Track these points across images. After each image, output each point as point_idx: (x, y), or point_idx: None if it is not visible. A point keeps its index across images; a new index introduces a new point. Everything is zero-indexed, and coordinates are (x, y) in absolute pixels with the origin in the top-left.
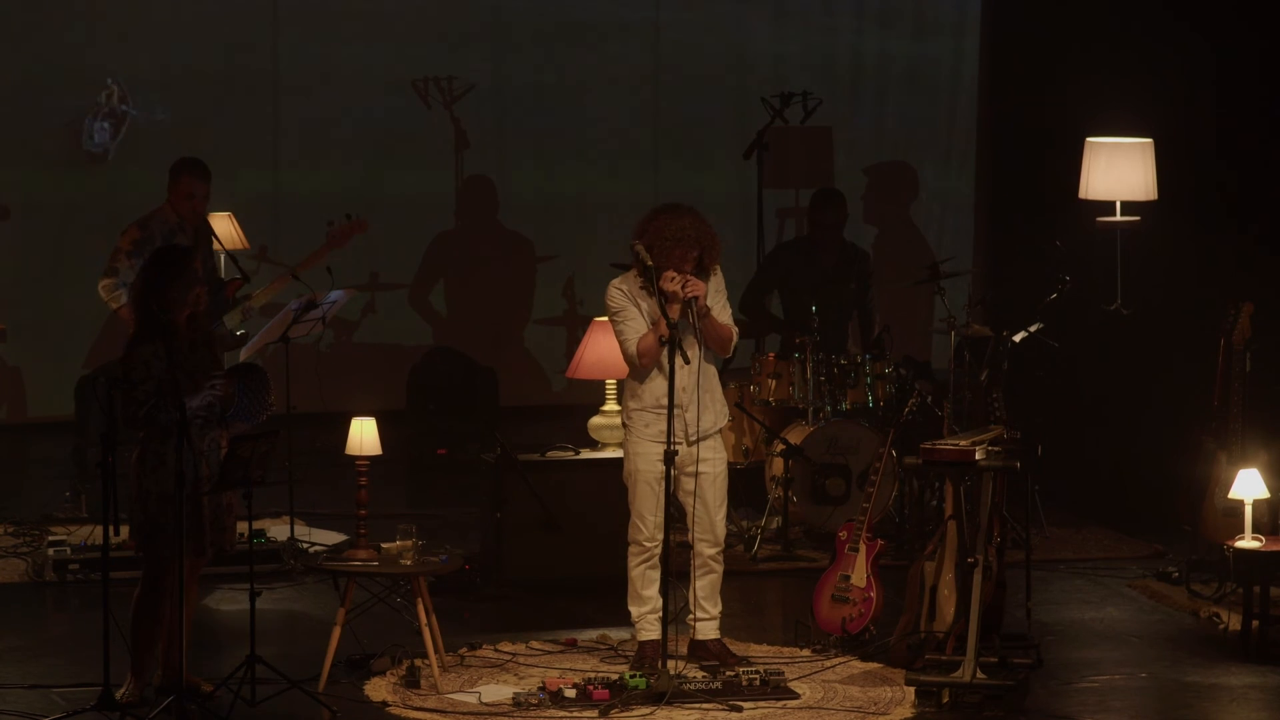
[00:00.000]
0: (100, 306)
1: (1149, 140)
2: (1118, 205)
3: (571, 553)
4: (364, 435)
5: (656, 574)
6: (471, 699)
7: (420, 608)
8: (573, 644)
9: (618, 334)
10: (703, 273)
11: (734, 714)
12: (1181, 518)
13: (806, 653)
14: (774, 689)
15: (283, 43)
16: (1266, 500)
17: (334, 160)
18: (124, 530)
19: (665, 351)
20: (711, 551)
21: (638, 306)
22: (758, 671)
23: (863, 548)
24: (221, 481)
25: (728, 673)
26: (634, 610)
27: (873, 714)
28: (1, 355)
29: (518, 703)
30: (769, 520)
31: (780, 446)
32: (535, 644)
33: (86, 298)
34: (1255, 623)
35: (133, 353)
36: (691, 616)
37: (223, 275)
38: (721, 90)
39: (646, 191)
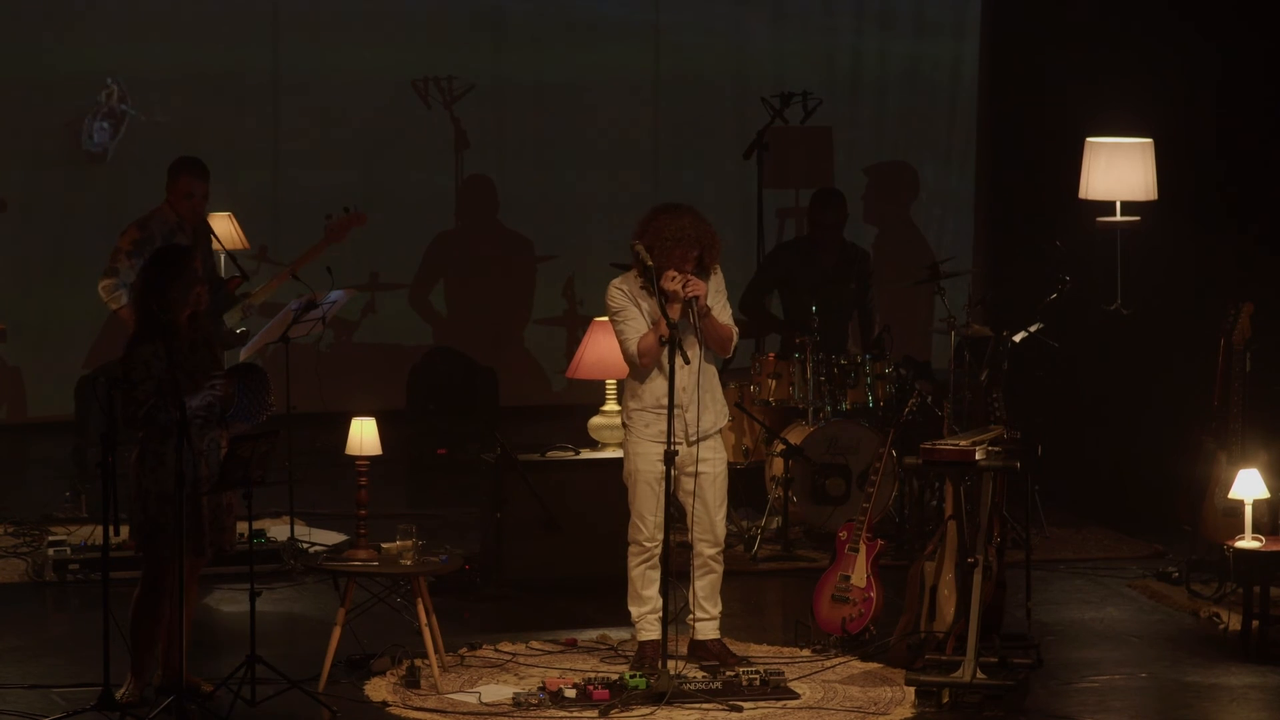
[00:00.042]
0: (100, 306)
1: (1149, 140)
2: (1118, 205)
3: (571, 553)
4: (364, 435)
5: (656, 574)
6: (471, 699)
7: (420, 608)
8: (573, 644)
9: (618, 334)
10: (703, 272)
11: (734, 714)
12: (1181, 518)
13: (806, 653)
14: (774, 689)
15: (283, 43)
16: (1266, 500)
17: (334, 160)
18: (124, 530)
19: (665, 351)
20: (711, 551)
21: (638, 306)
22: (758, 671)
23: (863, 548)
24: (221, 481)
25: (728, 673)
26: (634, 610)
27: (873, 714)
28: (1, 355)
29: (518, 703)
30: (769, 520)
31: (780, 446)
32: (535, 644)
33: (86, 298)
34: (1255, 623)
35: (133, 352)
36: (691, 616)
37: (222, 275)
38: (721, 90)
39: (646, 191)
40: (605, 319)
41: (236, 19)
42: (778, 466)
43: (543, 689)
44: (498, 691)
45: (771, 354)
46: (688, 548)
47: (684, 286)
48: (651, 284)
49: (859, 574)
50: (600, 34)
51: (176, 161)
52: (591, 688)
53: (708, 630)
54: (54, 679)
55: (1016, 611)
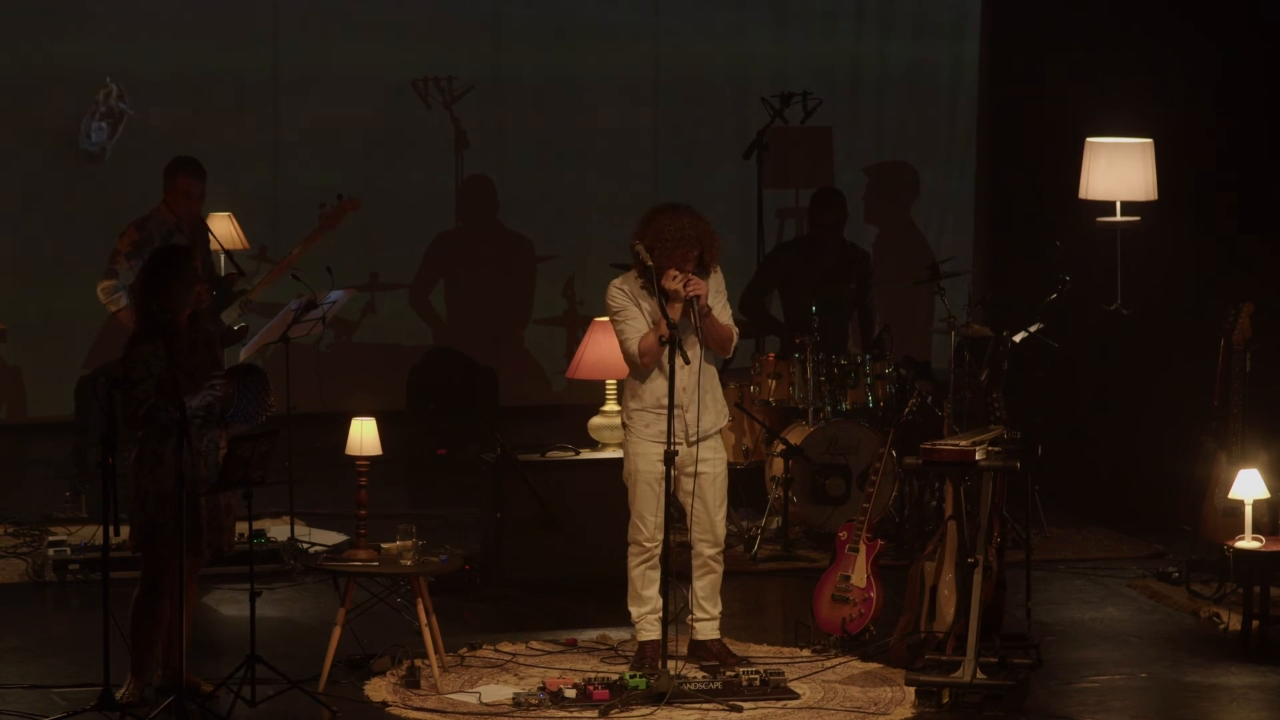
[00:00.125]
0: (100, 306)
1: (1149, 140)
2: (1118, 205)
3: (571, 553)
4: (364, 435)
5: (656, 574)
6: (471, 699)
7: (420, 608)
8: (573, 644)
9: (618, 334)
10: (703, 271)
11: (734, 714)
12: (1181, 518)
13: (806, 653)
14: (774, 689)
15: (283, 43)
16: (1266, 500)
17: (334, 160)
18: (124, 530)
19: (666, 352)
20: (711, 552)
21: (639, 306)
22: (758, 672)
23: (863, 548)
24: (221, 482)
25: (728, 673)
26: (634, 610)
27: (873, 714)
28: (1, 355)
29: (518, 703)
30: (769, 520)
31: (780, 446)
32: (535, 644)
33: (86, 298)
34: (1255, 623)
35: (133, 352)
36: (691, 617)
37: (220, 273)
38: (721, 90)
39: (646, 191)
40: (605, 319)
41: (236, 19)
42: (778, 466)
43: (543, 689)
44: (498, 691)
45: (771, 354)
46: (688, 548)
47: (685, 286)
48: (652, 284)
49: (859, 574)
50: (600, 34)
51: (173, 161)
52: (591, 688)
53: (708, 630)
54: (54, 679)
55: (1016, 611)
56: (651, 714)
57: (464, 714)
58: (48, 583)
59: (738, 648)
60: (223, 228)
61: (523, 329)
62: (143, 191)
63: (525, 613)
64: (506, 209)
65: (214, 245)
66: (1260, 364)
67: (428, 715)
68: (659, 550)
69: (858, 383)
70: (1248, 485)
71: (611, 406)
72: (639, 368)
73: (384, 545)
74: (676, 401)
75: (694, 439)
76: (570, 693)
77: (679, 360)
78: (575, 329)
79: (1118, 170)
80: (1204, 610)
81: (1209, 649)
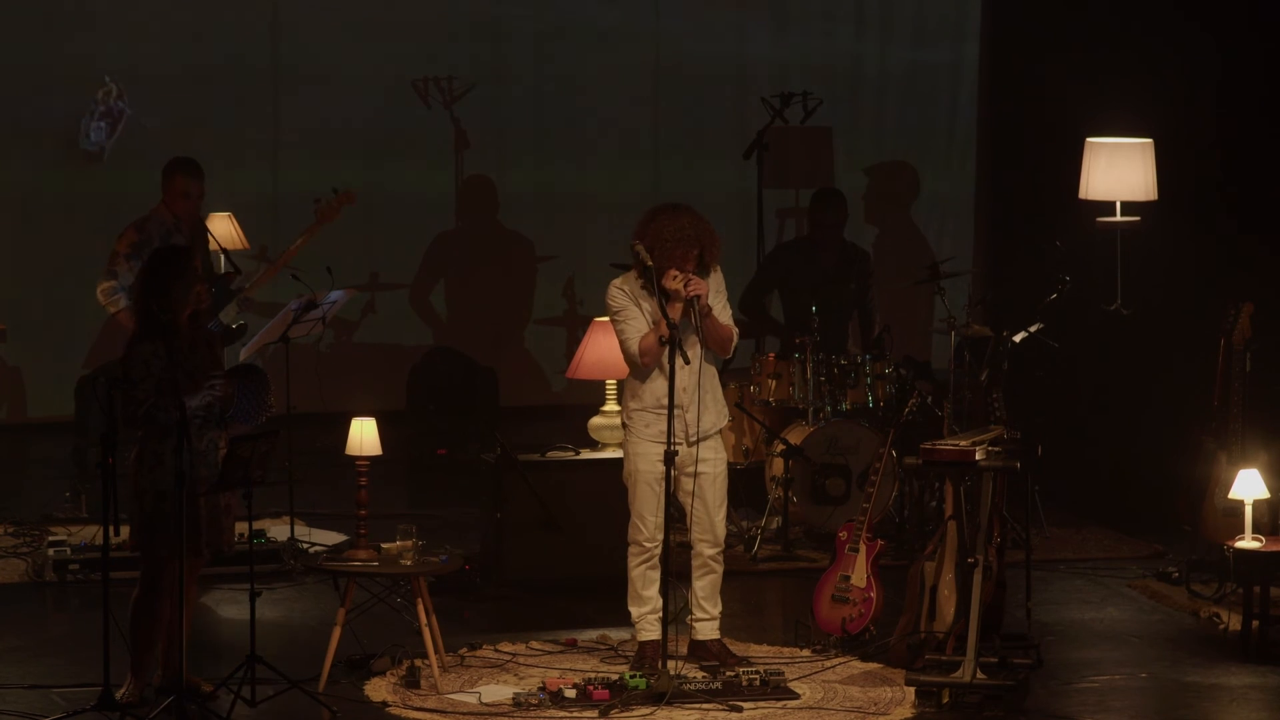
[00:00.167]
0: (100, 306)
1: (1149, 140)
2: (1118, 205)
3: (571, 553)
4: (364, 435)
5: (656, 574)
6: (471, 699)
7: (420, 608)
8: (573, 644)
9: (619, 334)
10: (704, 270)
11: (734, 714)
12: (1181, 518)
13: (806, 653)
14: (774, 689)
15: (283, 43)
16: (1266, 500)
17: (334, 160)
18: (124, 530)
19: (666, 352)
20: (711, 552)
21: (639, 307)
22: (758, 672)
23: (863, 548)
24: (221, 482)
25: (728, 673)
26: (634, 610)
27: (873, 714)
28: (1, 355)
29: (518, 703)
30: (769, 520)
31: (780, 446)
32: (535, 644)
33: (86, 298)
34: (1255, 623)
35: (132, 352)
36: (691, 617)
37: (219, 272)
38: (721, 90)
39: (646, 191)
40: (605, 319)
41: (236, 18)
42: (778, 466)
43: (543, 689)
44: (498, 691)
45: (771, 354)
46: (688, 548)
47: (685, 286)
48: (652, 284)
49: (859, 574)
50: (600, 34)
51: (171, 162)
52: (591, 688)
53: (708, 630)
54: (54, 679)
55: (1016, 611)
56: (651, 714)
57: (464, 714)
58: (48, 583)
59: (738, 648)
60: (223, 228)
61: (523, 329)
62: (143, 192)
63: (525, 613)
64: (506, 209)
65: (212, 245)
66: (1260, 364)
67: (428, 715)
68: (659, 550)
69: (858, 383)
70: (1248, 485)
71: (611, 406)
72: (639, 368)
73: (384, 545)
74: (676, 401)
75: (694, 439)
76: (570, 693)
77: (679, 360)
78: (575, 329)
79: (1118, 170)
80: (1204, 610)
81: (1209, 649)
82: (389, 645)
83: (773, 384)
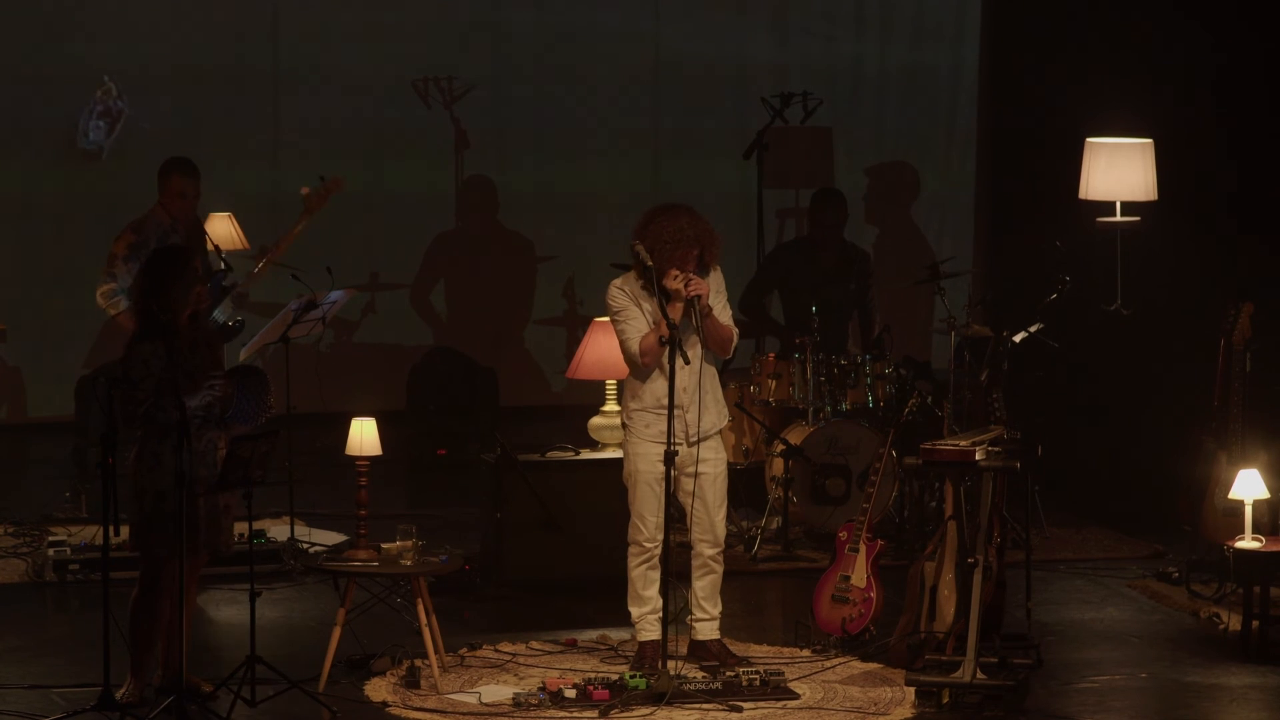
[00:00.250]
0: (101, 308)
1: (1149, 140)
2: (1118, 205)
3: (571, 553)
4: (364, 435)
5: (657, 574)
6: (471, 699)
7: (420, 608)
8: (573, 644)
9: (619, 334)
10: (704, 270)
11: (734, 714)
12: (1181, 518)
13: (806, 653)
14: (774, 689)
15: (283, 42)
16: (1266, 500)
17: (334, 160)
18: (124, 530)
19: (666, 352)
20: (711, 552)
21: (639, 307)
22: (758, 672)
23: (863, 548)
24: (221, 482)
25: (728, 673)
26: (634, 611)
27: (873, 714)
28: (1, 355)
29: (518, 703)
30: (769, 520)
31: (780, 446)
32: (535, 644)
33: (86, 298)
34: (1255, 623)
35: (132, 351)
36: (691, 617)
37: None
38: (721, 90)
39: (646, 191)
40: (605, 319)
41: (236, 17)
42: (778, 466)
43: (543, 689)
44: (498, 691)
45: (771, 354)
46: (688, 548)
47: (686, 285)
48: (652, 284)
49: (859, 574)
50: (600, 34)
51: (166, 162)
52: (591, 688)
53: (708, 630)
54: (54, 679)
55: (1016, 611)
56: (651, 714)
57: (464, 714)
58: (48, 583)
59: (738, 648)
60: (222, 228)
61: (523, 329)
62: (143, 192)
63: (525, 613)
64: (506, 209)
65: (209, 245)
66: (1260, 364)
67: (428, 715)
68: (659, 550)
69: (858, 383)
70: (1248, 485)
71: (611, 406)
72: (639, 368)
73: (384, 545)
74: (677, 402)
75: (694, 439)
76: (570, 693)
77: (679, 360)
78: (575, 329)
79: (1118, 170)
80: (1204, 610)
81: (1209, 649)
82: (389, 645)
83: (773, 384)
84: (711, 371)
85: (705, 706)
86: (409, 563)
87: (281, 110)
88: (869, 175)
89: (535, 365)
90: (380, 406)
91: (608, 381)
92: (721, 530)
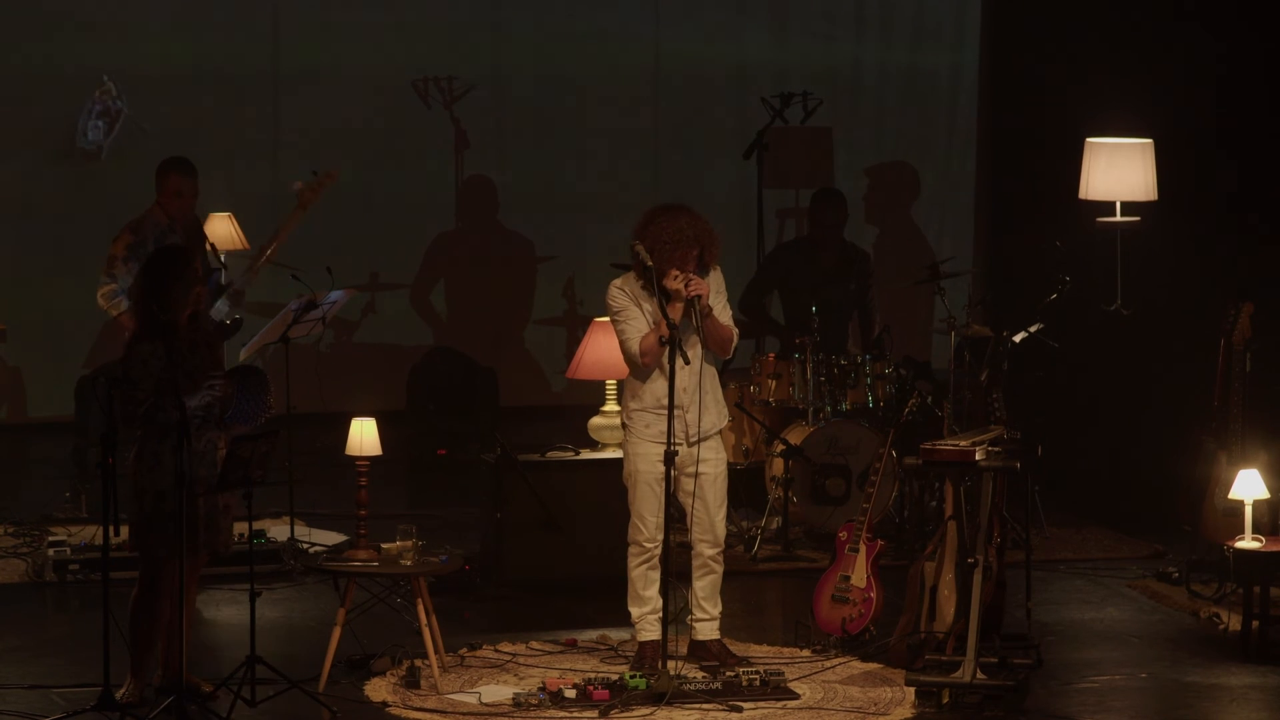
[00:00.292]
0: (102, 310)
1: (1149, 140)
2: (1118, 205)
3: (571, 553)
4: (364, 435)
5: (657, 574)
6: (471, 699)
7: (420, 608)
8: (573, 644)
9: (619, 334)
10: (704, 270)
11: (734, 714)
12: (1181, 518)
13: (806, 653)
14: (774, 689)
15: (283, 42)
16: (1266, 500)
17: (334, 160)
18: (124, 530)
19: (666, 352)
20: (711, 552)
21: (639, 307)
22: (758, 672)
23: (863, 548)
24: (221, 482)
25: (728, 673)
26: (634, 611)
27: (873, 714)
28: (1, 355)
29: (518, 703)
30: (769, 520)
31: (780, 446)
32: (535, 644)
33: (86, 298)
34: (1255, 623)
35: (132, 351)
36: (691, 617)
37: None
38: (721, 90)
39: (647, 191)
40: (605, 319)
41: (236, 19)
42: (778, 467)
43: (543, 689)
44: (498, 692)
45: (771, 354)
46: (688, 548)
47: (686, 286)
48: (652, 284)
49: (859, 574)
50: (600, 34)
51: (163, 162)
52: (591, 688)
53: (708, 630)
54: (54, 679)
55: (1016, 611)
56: (651, 714)
57: (464, 714)
58: (48, 583)
59: (738, 648)
60: (223, 228)
61: (523, 329)
62: (143, 192)
63: (525, 613)
64: (506, 209)
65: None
66: (1260, 364)
67: (428, 715)
68: (659, 550)
69: (858, 383)
70: (1248, 485)
71: (611, 406)
72: (639, 368)
73: (384, 545)
74: (677, 402)
75: (694, 439)
76: (570, 693)
77: (679, 360)
78: (575, 329)
79: (1118, 170)
80: (1204, 610)
81: (1209, 649)
82: (389, 645)
83: (773, 384)
84: (711, 371)
85: (705, 706)
86: (409, 563)
87: (281, 110)
88: (869, 175)
89: (535, 365)
90: (380, 406)
91: (608, 381)
92: (721, 530)
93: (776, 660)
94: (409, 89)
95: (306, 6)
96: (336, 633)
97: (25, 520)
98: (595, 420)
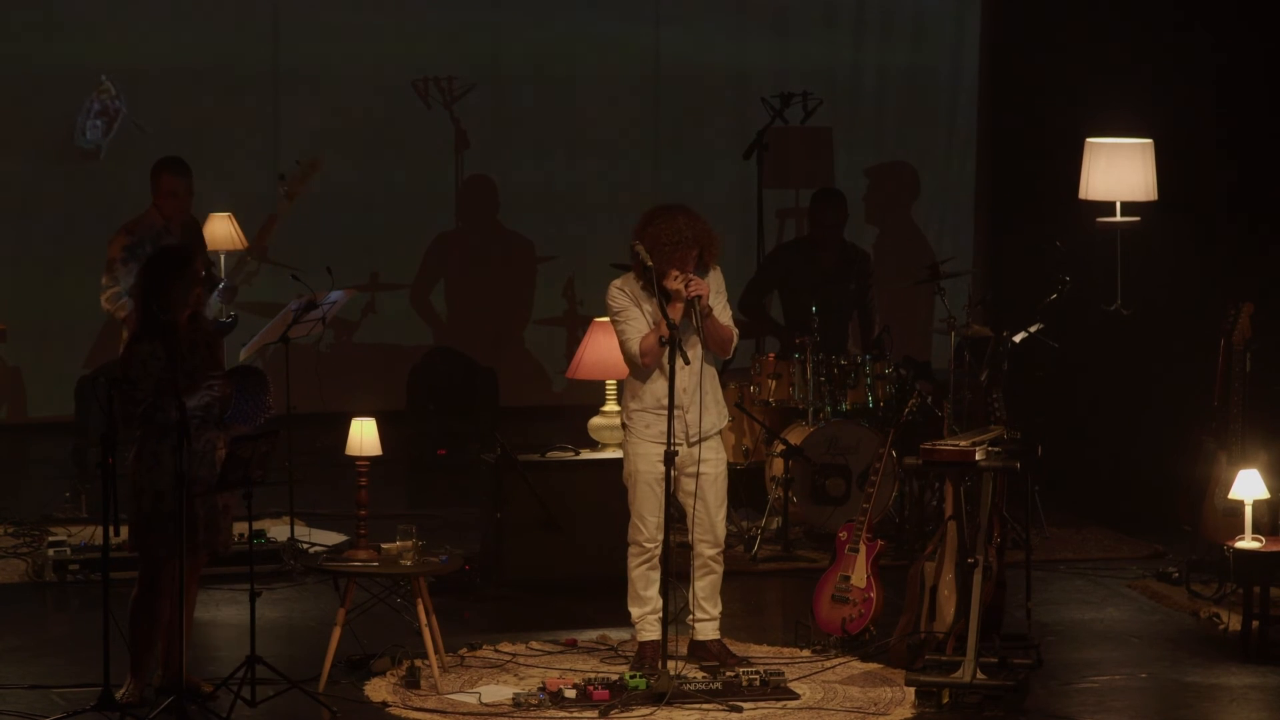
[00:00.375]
0: (101, 307)
1: (1149, 140)
2: (1118, 205)
3: (571, 553)
4: (364, 435)
5: (657, 574)
6: (471, 699)
7: (420, 608)
8: (573, 644)
9: (619, 334)
10: (703, 270)
11: (734, 714)
12: (1181, 518)
13: (806, 653)
14: (774, 689)
15: (283, 42)
16: (1266, 500)
17: (334, 160)
18: (124, 530)
19: (666, 352)
20: (712, 552)
21: (639, 307)
22: (758, 672)
23: (863, 548)
24: (221, 482)
25: (728, 673)
26: (634, 611)
27: (873, 714)
28: (1, 355)
29: (518, 703)
30: (769, 520)
31: (780, 447)
32: (535, 644)
33: (86, 298)
34: (1255, 623)
35: (131, 351)
36: (691, 617)
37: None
38: (721, 90)
39: (647, 191)
40: (605, 319)
41: (236, 18)
42: (778, 467)
43: (543, 689)
44: (498, 692)
45: (771, 354)
46: (688, 548)
47: (686, 286)
48: (652, 285)
49: (859, 574)
50: (600, 34)
51: (157, 162)
52: (591, 688)
53: (708, 631)
54: (54, 679)
55: (1016, 611)
56: (651, 714)
57: (464, 714)
58: (48, 583)
59: (738, 648)
60: (222, 228)
61: (523, 329)
62: (143, 192)
63: (525, 613)
64: (506, 209)
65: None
66: (1260, 364)
67: (428, 715)
68: (659, 551)
69: (858, 383)
70: (1248, 485)
71: (611, 407)
72: (639, 368)
73: (384, 545)
74: (677, 402)
75: (694, 439)
76: (570, 693)
77: (679, 361)
78: (575, 329)
79: (1118, 170)
80: (1204, 610)
81: (1209, 649)
82: (389, 645)
83: (773, 384)
84: (711, 372)
85: (705, 707)
86: (409, 563)
87: (281, 110)
88: (869, 175)
89: (535, 365)
90: (380, 406)
91: (608, 381)
92: (721, 530)
93: (776, 660)
94: (409, 89)
95: (306, 6)
96: (336, 633)
97: (25, 520)
98: (595, 420)
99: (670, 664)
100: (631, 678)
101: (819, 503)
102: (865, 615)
